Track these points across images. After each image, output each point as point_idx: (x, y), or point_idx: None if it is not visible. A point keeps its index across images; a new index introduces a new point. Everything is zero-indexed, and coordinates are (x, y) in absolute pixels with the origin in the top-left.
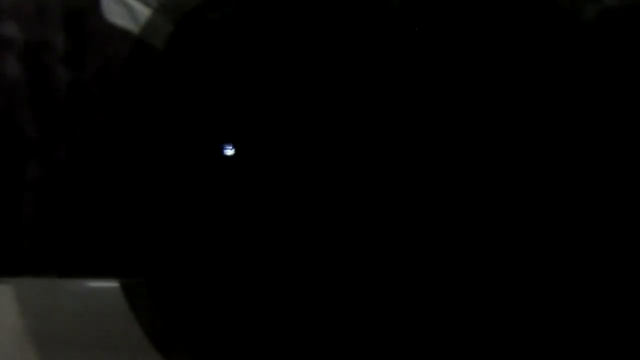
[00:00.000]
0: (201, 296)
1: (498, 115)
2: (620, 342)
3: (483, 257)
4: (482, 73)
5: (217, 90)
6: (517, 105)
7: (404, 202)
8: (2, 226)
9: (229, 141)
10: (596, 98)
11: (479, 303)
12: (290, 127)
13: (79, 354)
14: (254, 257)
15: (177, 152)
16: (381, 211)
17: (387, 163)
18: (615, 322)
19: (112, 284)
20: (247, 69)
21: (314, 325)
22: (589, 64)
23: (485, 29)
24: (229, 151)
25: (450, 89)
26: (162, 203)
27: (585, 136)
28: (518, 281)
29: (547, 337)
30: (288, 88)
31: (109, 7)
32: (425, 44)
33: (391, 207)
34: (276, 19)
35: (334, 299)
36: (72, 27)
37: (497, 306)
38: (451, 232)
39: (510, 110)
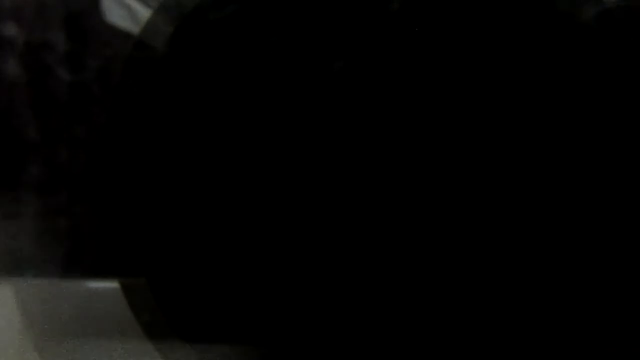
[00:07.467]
0: (203, 295)
1: (498, 116)
2: (621, 342)
3: (483, 257)
4: (482, 74)
5: (217, 91)
6: (517, 107)
7: (404, 203)
8: (2, 226)
9: (230, 141)
10: (596, 99)
11: (479, 303)
12: (291, 128)
13: (79, 354)
14: (257, 257)
15: (178, 152)
16: (381, 211)
17: (387, 165)
18: (615, 322)
19: (112, 284)
20: (248, 70)
21: (317, 327)
22: (589, 65)
23: (485, 31)
24: (230, 151)
25: (449, 90)
26: (163, 203)
27: (585, 137)
28: (518, 282)
29: (547, 338)
30: (287, 89)
31: (109, 7)
32: (424, 46)
33: (391, 207)
34: (276, 20)
35: (338, 301)
36: (72, 27)
37: (498, 307)
38: (451, 232)
39: (511, 111)
